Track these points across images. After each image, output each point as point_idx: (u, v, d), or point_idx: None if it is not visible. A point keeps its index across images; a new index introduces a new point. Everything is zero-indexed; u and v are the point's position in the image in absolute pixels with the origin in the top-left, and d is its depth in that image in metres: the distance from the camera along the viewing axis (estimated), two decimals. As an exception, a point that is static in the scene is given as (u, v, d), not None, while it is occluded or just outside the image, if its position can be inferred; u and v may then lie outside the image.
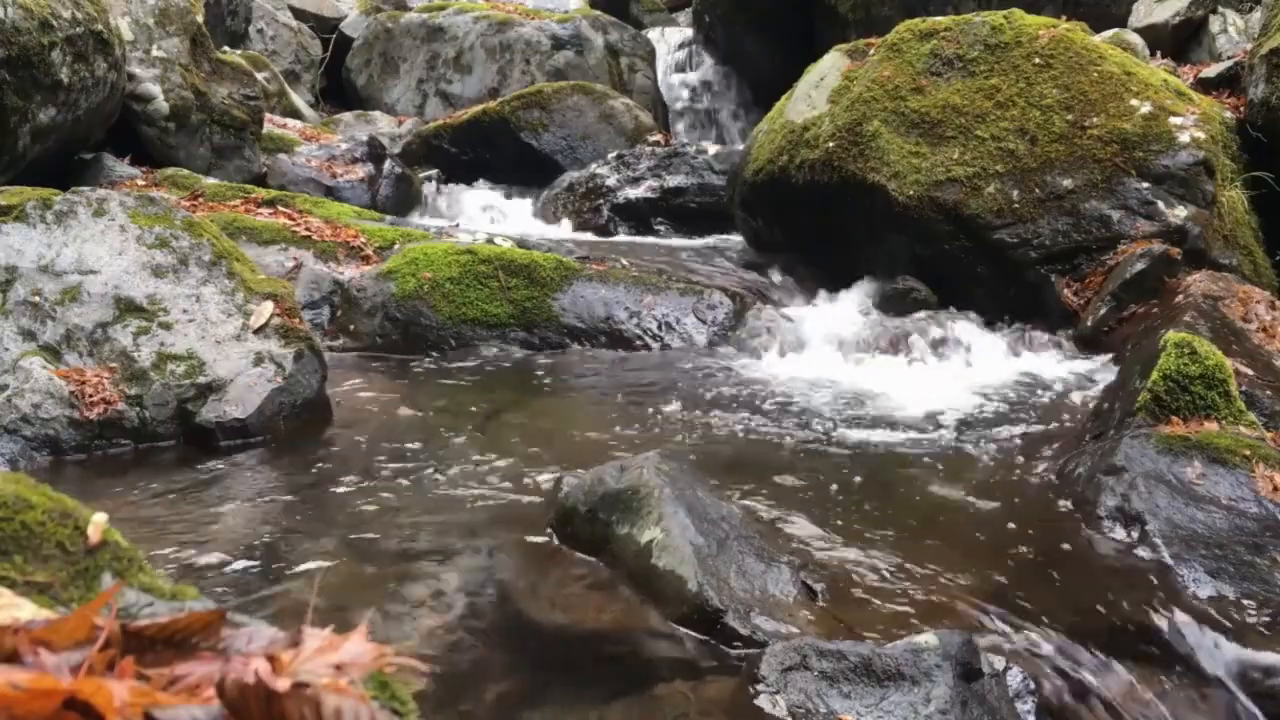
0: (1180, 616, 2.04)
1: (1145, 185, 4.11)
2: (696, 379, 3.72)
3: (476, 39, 8.99)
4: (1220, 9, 6.67)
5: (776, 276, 4.89)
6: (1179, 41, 6.74)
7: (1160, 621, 2.04)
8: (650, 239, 5.82)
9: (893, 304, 4.33)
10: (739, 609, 1.91)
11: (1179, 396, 2.65)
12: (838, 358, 4.05)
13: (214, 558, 2.16)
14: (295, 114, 8.18)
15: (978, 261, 4.23)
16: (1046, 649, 1.93)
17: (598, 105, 7.20)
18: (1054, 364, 3.86)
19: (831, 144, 4.51)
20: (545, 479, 2.57)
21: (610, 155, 6.49)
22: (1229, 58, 5.53)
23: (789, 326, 4.24)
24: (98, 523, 0.91)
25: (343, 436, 3.01)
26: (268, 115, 6.80)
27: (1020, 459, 2.95)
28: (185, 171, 5.42)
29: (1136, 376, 2.84)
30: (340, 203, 5.54)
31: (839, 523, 2.42)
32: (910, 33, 4.65)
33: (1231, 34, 6.52)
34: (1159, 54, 6.30)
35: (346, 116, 8.39)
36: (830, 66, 4.87)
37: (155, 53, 5.74)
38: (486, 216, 6.35)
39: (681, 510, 2.07)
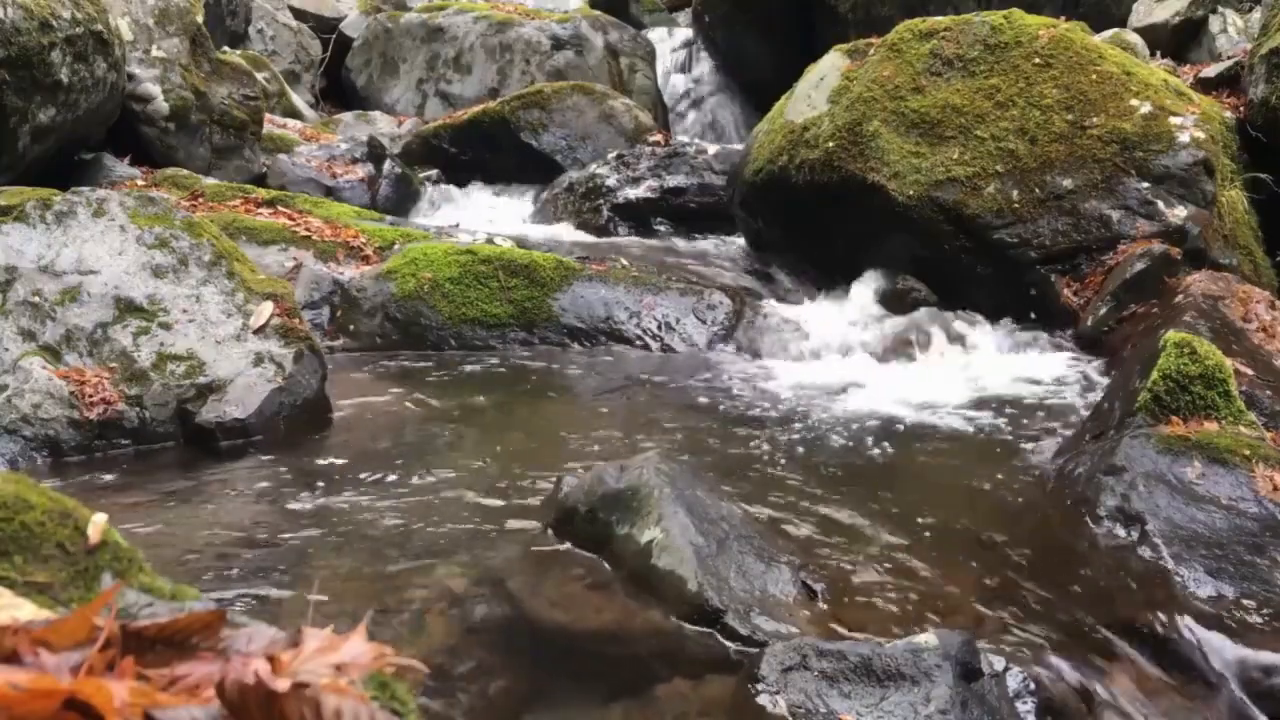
0: (1180, 616, 2.04)
1: (1145, 185, 4.11)
2: (696, 379, 3.72)
3: (476, 39, 8.99)
4: (1220, 9, 6.67)
5: (776, 276, 4.89)
6: (1179, 41, 6.74)
7: (1160, 621, 2.04)
8: (650, 239, 5.82)
9: (893, 304, 4.33)
10: (739, 609, 1.91)
11: (1179, 396, 2.65)
12: (837, 358, 4.05)
13: (214, 558, 2.16)
14: (295, 114, 8.18)
15: (978, 261, 4.23)
16: (1046, 649, 1.93)
17: (598, 105, 7.19)
18: (1054, 364, 3.86)
19: (831, 144, 4.51)
20: (545, 479, 2.57)
21: (610, 155, 6.48)
22: (1229, 58, 5.53)
23: (789, 327, 4.24)
24: (98, 523, 0.91)
25: (343, 436, 3.01)
26: (268, 115, 6.80)
27: (1020, 459, 2.95)
28: (185, 171, 5.42)
29: (1136, 376, 2.84)
30: (340, 203, 5.54)
31: (839, 523, 2.42)
32: (910, 33, 4.65)
33: (1231, 34, 6.52)
34: (1159, 54, 6.30)
35: (346, 116, 8.39)
36: (830, 66, 4.87)
37: (155, 53, 5.74)
38: (486, 216, 6.34)
39: (681, 510, 2.07)
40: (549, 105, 7.13)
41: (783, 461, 2.90)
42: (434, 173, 7.02)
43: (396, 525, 2.33)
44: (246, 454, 2.83)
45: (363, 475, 2.66)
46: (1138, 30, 6.62)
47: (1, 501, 0.87)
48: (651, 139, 6.94)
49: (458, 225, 5.59)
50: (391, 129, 7.99)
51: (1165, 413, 2.64)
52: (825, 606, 2.01)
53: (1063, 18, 4.86)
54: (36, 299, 2.93)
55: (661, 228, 6.00)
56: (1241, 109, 4.70)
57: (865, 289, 4.44)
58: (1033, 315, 4.14)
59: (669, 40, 9.46)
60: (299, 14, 9.67)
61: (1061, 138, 4.21)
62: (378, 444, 2.92)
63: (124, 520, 2.21)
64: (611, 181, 6.18)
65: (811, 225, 4.71)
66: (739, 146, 6.35)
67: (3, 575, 0.83)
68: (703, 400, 3.48)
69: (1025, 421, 3.29)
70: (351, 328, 4.03)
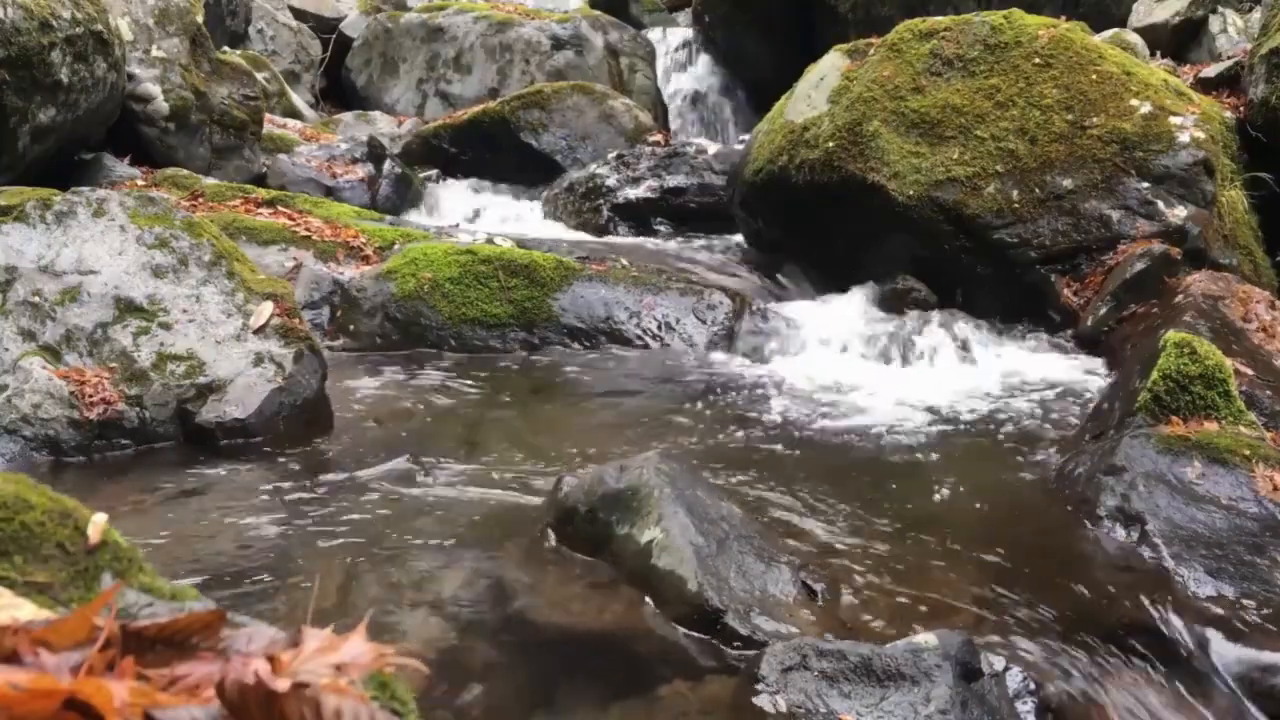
0: (1180, 616, 2.04)
1: (1145, 185, 4.11)
2: (696, 379, 3.72)
3: (476, 39, 8.98)
4: (1220, 9, 6.67)
5: (776, 276, 4.89)
6: (1179, 41, 6.74)
7: (1160, 621, 2.04)
8: (650, 239, 5.81)
9: (893, 304, 4.33)
10: (739, 609, 1.91)
11: (1179, 396, 2.65)
12: (837, 358, 4.05)
13: (214, 558, 2.16)
14: (295, 114, 8.18)
15: (978, 261, 4.23)
16: (1046, 649, 1.93)
17: (598, 105, 7.19)
18: (1054, 364, 3.86)
19: (831, 144, 4.51)
20: (545, 479, 2.57)
21: (610, 155, 6.48)
22: (1229, 58, 5.53)
23: (789, 327, 4.24)
24: (98, 523, 0.91)
25: (343, 436, 3.01)
26: (268, 115, 6.80)
27: (1020, 459, 2.95)
28: (185, 171, 5.41)
29: (1136, 376, 2.84)
30: (340, 203, 5.53)
31: (839, 523, 2.42)
32: (910, 33, 4.65)
33: (1231, 34, 6.52)
34: (1159, 54, 6.30)
35: (346, 116, 8.38)
36: (830, 66, 4.87)
37: (155, 53, 5.74)
38: (486, 216, 6.34)
39: (681, 510, 2.07)
40: (549, 105, 7.13)
41: (783, 461, 2.90)
42: (434, 173, 7.02)
43: (396, 525, 2.33)
44: (246, 454, 2.83)
45: (362, 475, 2.66)
46: (1138, 30, 6.62)
47: (1, 501, 0.87)
48: (651, 139, 6.94)
49: (458, 225, 5.59)
50: (391, 129, 7.98)
51: (1165, 413, 2.64)
52: (825, 606, 2.01)
53: (1063, 18, 4.86)
54: (36, 299, 2.93)
55: (661, 228, 6.00)
56: (1241, 109, 4.70)
57: (865, 289, 4.44)
58: (1033, 315, 4.14)
59: (669, 40, 9.45)
60: (299, 14, 9.67)
61: (1061, 138, 4.21)
62: (377, 444, 2.92)
63: (124, 520, 2.21)
64: (611, 181, 6.18)
65: (811, 225, 4.71)
66: (739, 146, 6.35)
67: (3, 575, 0.83)
68: (702, 400, 3.48)
69: (1025, 421, 3.29)
70: (351, 328, 4.03)
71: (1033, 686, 1.81)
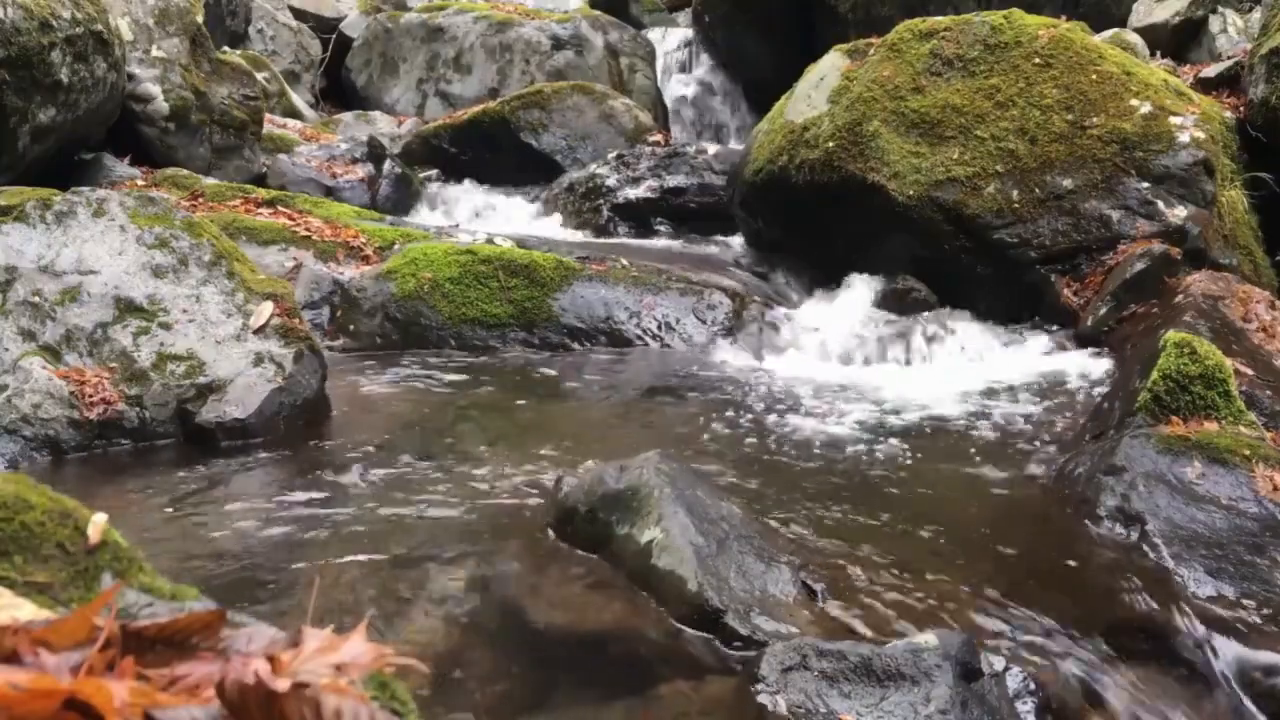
0: (1180, 616, 2.04)
1: (1145, 185, 4.11)
2: (696, 379, 3.72)
3: (476, 39, 8.99)
4: (1220, 9, 6.67)
5: (776, 276, 4.89)
6: (1179, 41, 6.74)
7: (1160, 621, 2.04)
8: (650, 239, 5.82)
9: (893, 304, 4.33)
10: (739, 609, 1.91)
11: (1179, 396, 2.65)
12: (837, 358, 4.05)
13: (214, 558, 2.16)
14: (295, 114, 8.18)
15: (978, 261, 4.23)
16: (1046, 649, 1.93)
17: (598, 105, 7.19)
18: (1054, 364, 3.85)
19: (831, 144, 4.51)
20: (545, 479, 2.57)
21: (610, 155, 6.48)
22: (1229, 58, 5.53)
23: (788, 326, 4.24)
24: (98, 523, 0.91)
25: (343, 436, 3.01)
26: (268, 115, 6.80)
27: (1020, 459, 2.95)
28: (185, 171, 5.42)
29: (1136, 376, 2.84)
30: (340, 203, 5.54)
31: (839, 523, 2.42)
32: (910, 33, 4.65)
33: (1231, 34, 6.52)
34: (1159, 54, 6.30)
35: (346, 116, 8.39)
36: (830, 66, 4.87)
37: (155, 53, 5.74)
38: (486, 216, 6.35)
39: (681, 510, 2.06)
40: (549, 105, 7.13)
41: (783, 461, 2.90)
42: (434, 173, 7.02)
43: (396, 525, 2.33)
44: (246, 454, 2.83)
45: (362, 475, 2.66)
46: (1138, 30, 6.62)
47: (1, 501, 0.87)
48: (651, 139, 6.94)
49: (458, 225, 5.59)
50: (391, 129, 7.99)
51: (1165, 413, 2.64)
52: (825, 606, 2.01)
53: (1063, 18, 4.86)
54: (36, 299, 2.93)
55: (661, 228, 6.01)
56: (1241, 109, 4.71)
57: (865, 289, 4.44)
58: (1033, 315, 4.14)
59: (668, 40, 9.46)
60: (299, 14, 9.67)
61: (1061, 138, 4.21)
62: (377, 444, 2.92)
63: (124, 520, 2.21)
64: (611, 181, 6.18)
65: (811, 225, 4.71)
66: (739, 146, 6.35)
67: (3, 575, 0.83)
68: (702, 400, 3.48)
69: (1025, 422, 3.29)
70: (351, 328, 4.03)
71: (1033, 686, 1.81)
